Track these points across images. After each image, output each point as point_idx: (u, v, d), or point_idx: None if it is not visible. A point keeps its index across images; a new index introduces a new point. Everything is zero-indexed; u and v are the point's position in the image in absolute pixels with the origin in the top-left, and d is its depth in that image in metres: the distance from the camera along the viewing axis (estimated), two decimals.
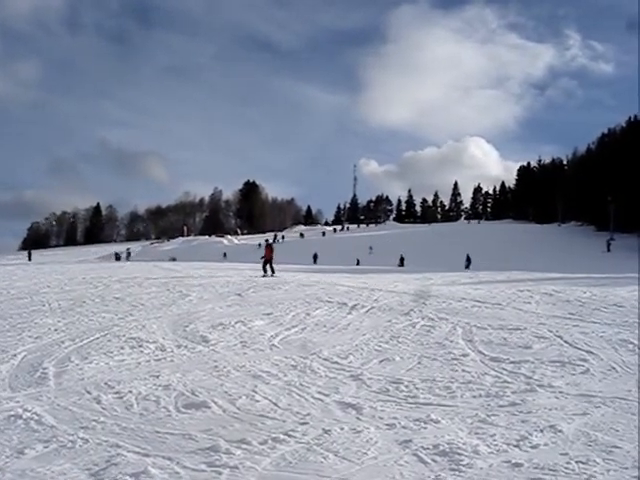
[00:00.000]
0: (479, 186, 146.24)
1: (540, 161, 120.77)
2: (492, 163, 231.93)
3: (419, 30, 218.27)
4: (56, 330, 10.60)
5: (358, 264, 52.01)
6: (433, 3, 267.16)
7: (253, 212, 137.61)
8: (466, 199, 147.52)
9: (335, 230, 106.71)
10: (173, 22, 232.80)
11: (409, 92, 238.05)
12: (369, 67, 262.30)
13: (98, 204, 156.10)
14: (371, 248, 63.01)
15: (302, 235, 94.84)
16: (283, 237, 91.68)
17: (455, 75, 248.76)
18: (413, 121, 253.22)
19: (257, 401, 6.37)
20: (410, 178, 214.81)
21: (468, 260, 50.06)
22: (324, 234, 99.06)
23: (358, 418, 5.76)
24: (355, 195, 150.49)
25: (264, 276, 22.35)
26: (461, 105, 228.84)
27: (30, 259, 59.27)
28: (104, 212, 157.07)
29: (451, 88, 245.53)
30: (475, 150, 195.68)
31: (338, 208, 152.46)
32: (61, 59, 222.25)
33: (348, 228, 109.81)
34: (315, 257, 58.63)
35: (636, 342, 9.12)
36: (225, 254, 72.10)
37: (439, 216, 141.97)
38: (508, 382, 7.06)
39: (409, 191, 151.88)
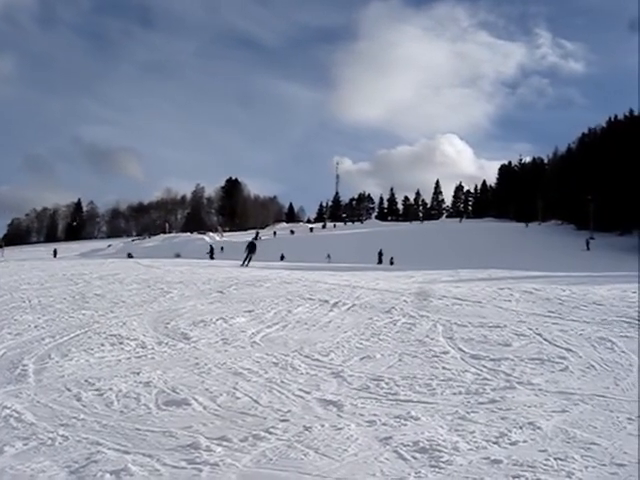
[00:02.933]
0: (460, 184, 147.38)
1: (521, 160, 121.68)
2: (467, 161, 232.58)
3: (391, 28, 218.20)
4: (36, 327, 10.54)
5: (282, 259, 52.98)
6: (404, 0, 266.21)
7: (235, 209, 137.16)
8: (446, 197, 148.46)
9: (324, 226, 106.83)
10: (152, 19, 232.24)
11: (381, 90, 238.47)
12: (342, 64, 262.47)
13: (79, 200, 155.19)
14: (329, 256, 61.22)
15: (292, 232, 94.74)
16: (275, 233, 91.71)
17: (426, 73, 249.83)
18: (386, 119, 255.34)
19: (238, 398, 6.38)
20: (384, 176, 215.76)
21: (380, 255, 51.01)
22: (312, 230, 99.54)
23: (339, 415, 5.77)
24: (337, 193, 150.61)
25: None
26: (433, 103, 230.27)
27: (55, 256, 60.82)
28: (85, 208, 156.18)
29: (423, 86, 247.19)
30: (449, 148, 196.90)
31: (320, 206, 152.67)
32: (37, 55, 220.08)
33: (335, 225, 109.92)
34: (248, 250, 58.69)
35: (615, 340, 9.20)
36: (222, 248, 72.60)
37: (421, 214, 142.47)
38: (488, 379, 7.10)
39: (391, 189, 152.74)
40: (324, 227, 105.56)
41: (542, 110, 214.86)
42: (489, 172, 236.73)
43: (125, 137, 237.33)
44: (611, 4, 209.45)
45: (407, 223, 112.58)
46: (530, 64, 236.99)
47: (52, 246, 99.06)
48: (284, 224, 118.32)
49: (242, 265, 29.95)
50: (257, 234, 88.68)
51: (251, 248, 33.60)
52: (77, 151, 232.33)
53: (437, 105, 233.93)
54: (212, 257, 51.67)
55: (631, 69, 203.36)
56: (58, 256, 63.45)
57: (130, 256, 60.35)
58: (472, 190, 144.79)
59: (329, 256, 59.17)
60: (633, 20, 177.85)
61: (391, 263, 48.48)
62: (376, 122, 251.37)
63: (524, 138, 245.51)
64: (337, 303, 13.29)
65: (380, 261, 50.25)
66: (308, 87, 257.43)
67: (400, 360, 8.18)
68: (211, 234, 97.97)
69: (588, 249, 60.41)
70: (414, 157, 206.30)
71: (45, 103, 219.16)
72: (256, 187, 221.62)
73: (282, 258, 55.38)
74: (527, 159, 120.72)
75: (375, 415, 5.72)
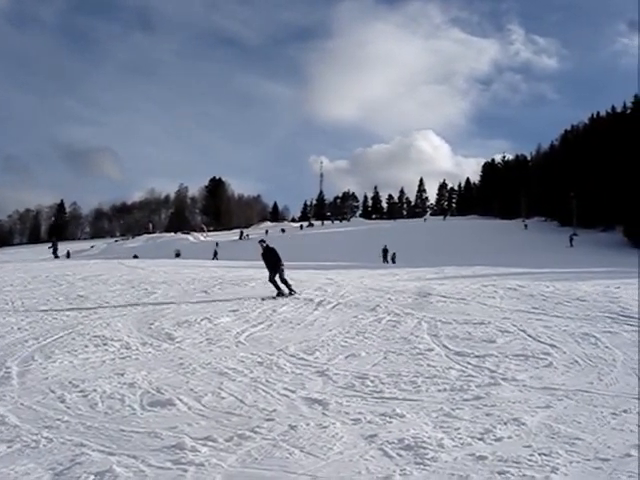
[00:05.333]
0: (444, 182, 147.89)
1: (504, 157, 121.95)
2: (444, 158, 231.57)
3: (364, 25, 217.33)
4: (19, 329, 10.48)
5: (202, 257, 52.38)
6: None
7: (219, 209, 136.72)
8: (428, 195, 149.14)
9: (312, 225, 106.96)
10: (134, 19, 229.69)
11: (357, 88, 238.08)
12: (317, 63, 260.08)
13: (62, 201, 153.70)
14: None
15: (283, 230, 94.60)
16: (267, 231, 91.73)
17: (401, 70, 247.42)
18: (362, 117, 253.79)
19: (223, 398, 6.37)
20: (363, 174, 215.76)
21: (385, 252, 47.79)
22: (302, 227, 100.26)
23: (324, 414, 5.78)
24: (322, 191, 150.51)
25: None
26: (408, 101, 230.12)
27: (69, 257, 58.40)
28: (68, 209, 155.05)
29: (397, 84, 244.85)
30: (426, 146, 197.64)
31: (305, 204, 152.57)
32: (14, 55, 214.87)
33: (323, 223, 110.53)
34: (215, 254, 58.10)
35: (598, 335, 9.26)
36: (217, 244, 73.04)
37: (405, 212, 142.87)
38: (472, 376, 7.13)
39: (375, 187, 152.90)
40: (312, 225, 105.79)
41: (517, 106, 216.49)
42: (467, 169, 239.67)
43: (107, 137, 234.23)
44: (583, 0, 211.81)
45: (391, 221, 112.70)
46: (503, 60, 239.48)
47: (35, 248, 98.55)
48: (268, 223, 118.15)
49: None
50: (242, 233, 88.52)
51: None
52: (58, 152, 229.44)
53: (412, 102, 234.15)
54: (56, 256, 46.55)
55: (604, 65, 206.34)
56: (41, 257, 62.33)
57: (135, 257, 59.52)
58: (456, 188, 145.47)
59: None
60: (632, 19, 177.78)
61: (393, 261, 46.32)
62: (352, 120, 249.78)
63: (500, 135, 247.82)
64: (322, 302, 13.30)
65: (385, 259, 47.21)
66: (287, 85, 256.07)
67: (385, 358, 8.20)
68: (195, 234, 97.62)
69: (571, 245, 60.51)
70: (391, 155, 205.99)
71: (24, 103, 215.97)
72: (240, 186, 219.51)
73: None
74: (510, 157, 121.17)
75: (360, 413, 5.73)
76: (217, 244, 73.94)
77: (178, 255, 60.23)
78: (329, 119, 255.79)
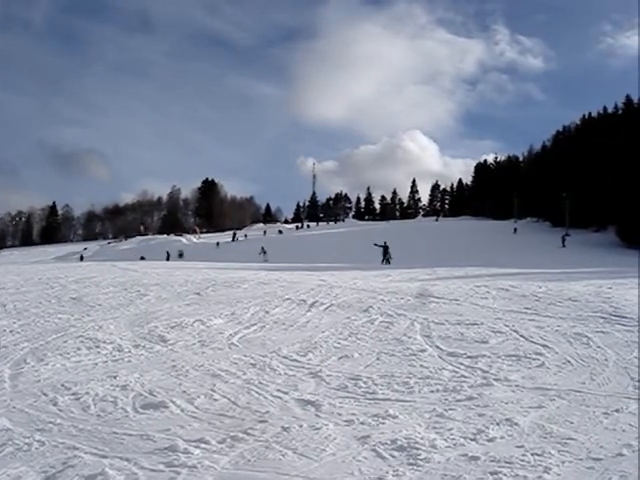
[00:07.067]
0: (437, 183, 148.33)
1: (496, 158, 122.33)
2: (432, 159, 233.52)
3: (350, 26, 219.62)
4: (11, 332, 10.44)
5: (168, 259, 53.84)
6: None
7: (212, 210, 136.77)
8: (420, 196, 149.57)
9: (308, 226, 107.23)
10: (124, 19, 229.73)
11: (344, 88, 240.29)
12: (304, 63, 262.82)
13: (54, 203, 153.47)
14: (264, 252, 57.64)
15: (281, 232, 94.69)
16: (265, 232, 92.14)
17: (387, 71, 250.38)
18: (349, 118, 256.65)
19: (216, 400, 6.36)
20: (351, 175, 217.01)
21: (386, 250, 42.86)
22: (297, 228, 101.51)
23: (317, 415, 5.77)
24: (314, 193, 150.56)
25: None
26: (395, 101, 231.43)
27: (82, 260, 57.58)
28: (60, 212, 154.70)
29: (384, 84, 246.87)
30: (414, 147, 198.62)
31: (297, 206, 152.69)
32: (1, 56, 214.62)
33: (318, 224, 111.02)
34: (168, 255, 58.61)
35: (590, 335, 9.28)
36: (218, 243, 73.43)
37: (397, 213, 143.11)
38: (465, 377, 7.14)
39: (368, 188, 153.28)
40: (308, 227, 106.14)
41: (504, 107, 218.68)
42: (454, 170, 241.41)
43: (98, 139, 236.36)
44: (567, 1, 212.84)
45: (383, 222, 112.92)
46: (489, 60, 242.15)
47: (28, 250, 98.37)
48: (261, 225, 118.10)
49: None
50: (234, 235, 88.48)
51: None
52: (48, 154, 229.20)
53: (399, 103, 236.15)
54: None
55: (589, 65, 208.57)
56: (33, 260, 61.79)
57: (142, 258, 58.96)
58: (447, 189, 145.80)
59: (264, 251, 57.60)
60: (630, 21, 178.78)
61: (388, 261, 41.97)
62: (340, 121, 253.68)
63: (489, 135, 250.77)
64: (315, 303, 13.28)
65: (385, 257, 42.48)
66: (276, 86, 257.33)
67: (378, 359, 8.20)
68: (188, 236, 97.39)
69: (564, 246, 60.70)
70: (379, 156, 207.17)
71: (11, 105, 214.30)
72: (233, 188, 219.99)
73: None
74: (502, 157, 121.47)
75: (353, 414, 5.73)
76: (217, 244, 74.68)
77: (181, 256, 59.94)
78: (317, 120, 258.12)
